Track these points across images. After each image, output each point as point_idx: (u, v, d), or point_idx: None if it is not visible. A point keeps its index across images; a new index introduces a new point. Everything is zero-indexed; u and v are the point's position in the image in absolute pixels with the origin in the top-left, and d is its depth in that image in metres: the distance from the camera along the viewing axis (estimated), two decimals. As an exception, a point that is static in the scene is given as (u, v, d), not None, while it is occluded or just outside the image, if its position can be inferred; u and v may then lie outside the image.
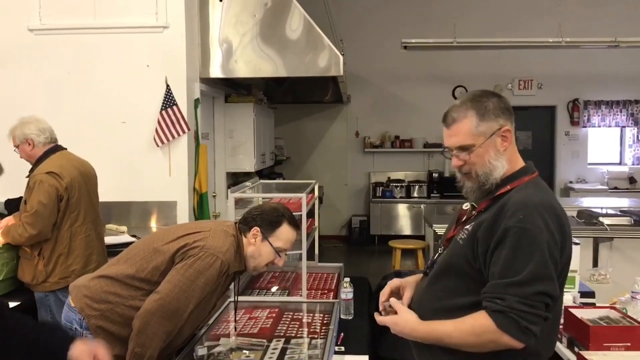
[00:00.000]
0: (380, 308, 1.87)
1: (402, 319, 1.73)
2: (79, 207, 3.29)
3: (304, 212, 2.94)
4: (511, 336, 1.53)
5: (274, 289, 3.09)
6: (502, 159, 1.68)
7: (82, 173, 3.37)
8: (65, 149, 3.44)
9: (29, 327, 1.65)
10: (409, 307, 1.82)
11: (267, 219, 2.27)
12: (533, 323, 1.53)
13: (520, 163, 1.73)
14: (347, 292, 2.77)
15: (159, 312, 2.05)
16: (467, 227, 1.70)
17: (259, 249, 2.25)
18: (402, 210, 9.14)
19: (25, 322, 1.69)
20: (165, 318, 2.06)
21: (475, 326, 1.58)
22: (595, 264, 4.33)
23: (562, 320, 2.40)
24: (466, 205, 1.81)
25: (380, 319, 1.80)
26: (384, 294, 1.89)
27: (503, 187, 1.68)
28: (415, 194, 9.20)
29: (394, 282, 1.92)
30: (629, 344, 2.17)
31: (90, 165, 3.51)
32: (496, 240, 1.58)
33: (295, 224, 2.35)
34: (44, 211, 3.11)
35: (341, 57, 4.84)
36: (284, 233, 2.28)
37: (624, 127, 9.24)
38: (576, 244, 2.87)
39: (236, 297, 2.50)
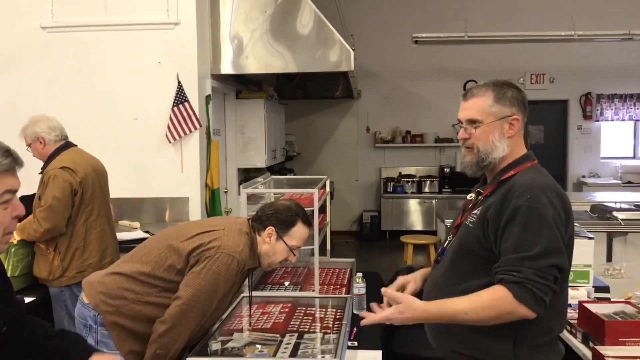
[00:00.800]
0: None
1: (405, 305, 1.72)
2: (93, 202, 3.33)
3: (315, 208, 2.93)
4: (527, 306, 1.61)
5: (286, 284, 3.10)
6: (504, 143, 1.79)
7: (95, 168, 3.40)
8: (76, 145, 3.47)
9: (51, 334, 1.67)
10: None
11: (281, 219, 2.28)
12: (546, 294, 1.62)
13: (523, 151, 1.84)
14: (359, 287, 2.76)
15: (182, 316, 2.08)
16: (475, 211, 1.79)
17: (273, 247, 2.27)
18: (414, 206, 9.12)
19: (47, 327, 1.71)
20: (189, 321, 2.09)
21: (492, 299, 1.64)
22: (609, 258, 4.30)
23: (576, 315, 2.39)
24: (470, 196, 1.91)
25: (375, 317, 1.73)
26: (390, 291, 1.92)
27: (507, 172, 1.78)
28: (427, 189, 9.17)
29: (398, 281, 2.02)
30: (645, 339, 2.15)
31: (100, 161, 3.54)
32: (506, 218, 1.67)
33: (309, 222, 2.37)
34: (58, 205, 3.15)
35: (352, 52, 4.83)
36: (298, 232, 2.30)
37: (638, 120, 9.15)
38: (590, 238, 2.86)
39: (250, 293, 2.52)
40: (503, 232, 1.67)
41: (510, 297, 1.61)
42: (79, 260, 3.27)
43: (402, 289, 2.01)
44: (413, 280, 2.01)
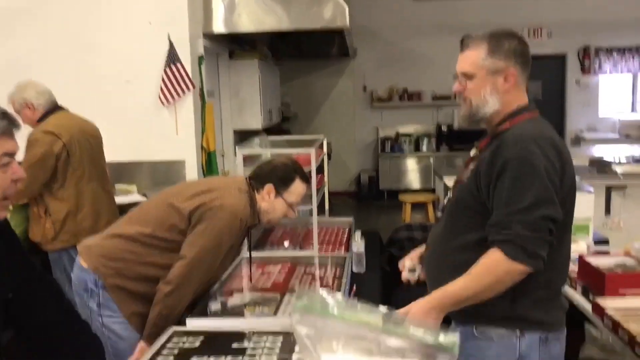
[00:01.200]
0: (405, 278, 2.01)
1: (413, 311, 1.72)
2: (82, 165, 3.29)
3: (313, 168, 2.91)
4: (521, 262, 1.58)
5: (286, 244, 3.10)
6: (496, 97, 1.72)
7: (84, 131, 3.35)
8: (67, 109, 3.41)
9: (63, 318, 1.67)
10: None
11: (279, 176, 2.30)
12: (540, 247, 1.59)
13: (522, 102, 1.76)
14: (358, 245, 2.77)
15: (187, 276, 2.09)
16: (471, 166, 1.78)
17: (272, 204, 2.30)
18: (411, 164, 9.11)
19: (65, 310, 1.71)
20: (193, 280, 2.11)
21: (486, 264, 1.63)
22: (607, 211, 4.30)
23: (576, 269, 2.39)
24: (473, 152, 1.88)
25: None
26: (404, 266, 2.04)
27: (503, 125, 1.73)
28: (424, 148, 9.15)
29: (414, 254, 2.06)
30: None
31: (93, 125, 3.49)
32: (497, 172, 1.64)
33: (306, 178, 2.40)
34: (32, 168, 3.07)
35: (346, 8, 4.72)
36: (297, 188, 2.33)
37: (637, 73, 9.06)
38: (589, 192, 2.86)
39: (250, 253, 2.52)
40: (495, 186, 1.64)
41: (502, 257, 1.59)
42: (72, 223, 3.25)
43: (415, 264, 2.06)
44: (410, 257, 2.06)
